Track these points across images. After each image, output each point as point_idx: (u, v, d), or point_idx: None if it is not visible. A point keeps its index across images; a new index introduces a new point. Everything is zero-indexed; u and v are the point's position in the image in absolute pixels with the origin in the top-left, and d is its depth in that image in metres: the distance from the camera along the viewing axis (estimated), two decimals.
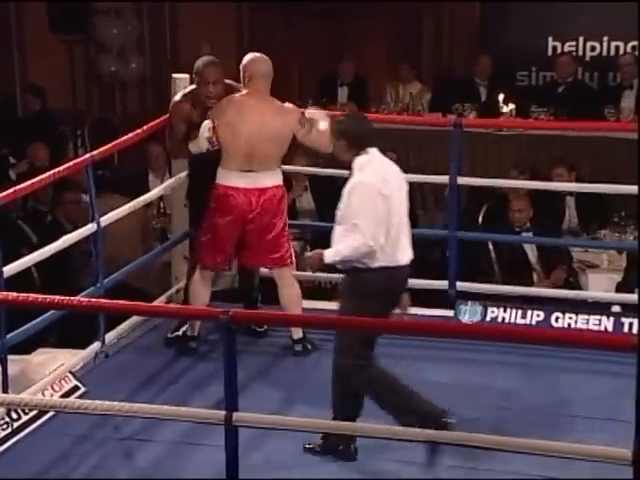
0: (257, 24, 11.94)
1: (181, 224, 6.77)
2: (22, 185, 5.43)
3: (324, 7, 11.27)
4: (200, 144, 5.87)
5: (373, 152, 4.93)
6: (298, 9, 11.51)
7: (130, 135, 6.33)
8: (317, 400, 5.10)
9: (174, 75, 6.71)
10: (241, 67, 5.93)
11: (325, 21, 11.61)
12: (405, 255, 4.94)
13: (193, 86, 6.11)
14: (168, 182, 6.90)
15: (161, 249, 6.92)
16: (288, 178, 6.58)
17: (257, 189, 5.90)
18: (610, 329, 6.13)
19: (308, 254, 5.11)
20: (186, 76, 6.54)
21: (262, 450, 4.84)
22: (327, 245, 4.91)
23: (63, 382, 5.48)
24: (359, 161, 4.88)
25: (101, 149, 6.06)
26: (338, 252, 4.84)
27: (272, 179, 5.97)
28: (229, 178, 5.89)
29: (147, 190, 7.16)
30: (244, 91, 5.93)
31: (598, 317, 6.19)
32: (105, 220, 5.97)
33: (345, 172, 4.96)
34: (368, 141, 4.93)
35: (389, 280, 4.87)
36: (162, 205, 7.95)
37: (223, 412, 4.05)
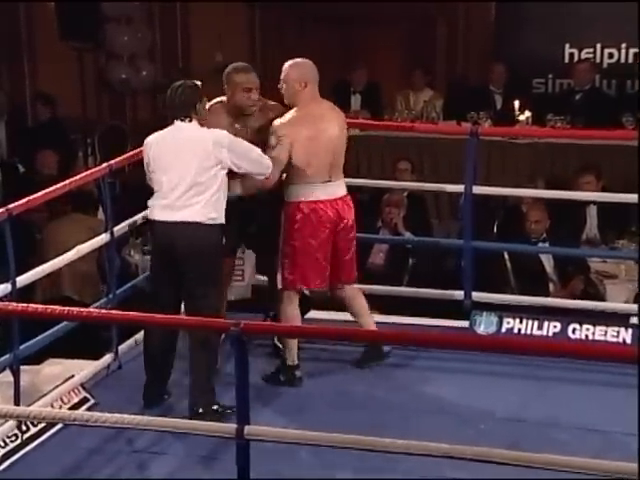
0: (269, 31, 11.91)
1: None
2: (36, 195, 5.35)
3: (336, 13, 11.23)
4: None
5: (176, 124, 5.29)
6: (310, 14, 11.47)
7: None
8: (332, 414, 5.04)
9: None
10: (287, 74, 5.61)
11: (338, 27, 11.58)
12: (167, 213, 5.28)
13: (220, 99, 5.74)
14: None
15: None
16: None
17: (338, 199, 5.65)
18: (629, 341, 6.04)
19: None
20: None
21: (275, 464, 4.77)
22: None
23: (72, 394, 5.41)
24: None
25: (119, 159, 5.96)
26: None
27: (343, 188, 5.71)
28: (313, 192, 5.57)
29: None
30: (302, 100, 5.64)
31: (616, 328, 6.10)
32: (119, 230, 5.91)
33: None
34: (173, 112, 5.30)
35: (153, 233, 5.46)
36: None
37: (234, 425, 3.98)
